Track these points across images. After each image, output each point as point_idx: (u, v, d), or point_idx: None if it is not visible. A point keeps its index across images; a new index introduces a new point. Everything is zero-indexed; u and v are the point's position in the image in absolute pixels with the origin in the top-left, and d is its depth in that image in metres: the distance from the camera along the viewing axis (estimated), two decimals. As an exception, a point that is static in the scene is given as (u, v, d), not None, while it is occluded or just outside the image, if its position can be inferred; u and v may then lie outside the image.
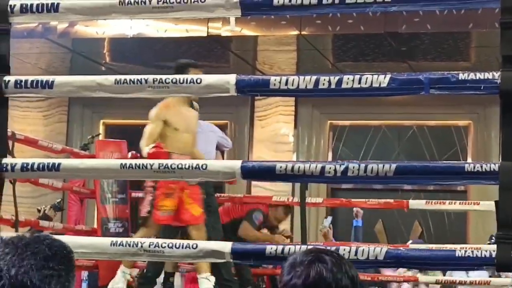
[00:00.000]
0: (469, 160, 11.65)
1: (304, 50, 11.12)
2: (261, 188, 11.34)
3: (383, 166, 3.17)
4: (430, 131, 12.16)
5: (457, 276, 7.96)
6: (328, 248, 2.20)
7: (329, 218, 8.75)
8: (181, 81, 3.38)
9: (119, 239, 3.48)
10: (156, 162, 3.44)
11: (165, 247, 3.37)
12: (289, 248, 3.25)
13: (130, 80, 3.42)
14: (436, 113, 11.76)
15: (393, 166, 3.17)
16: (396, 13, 8.88)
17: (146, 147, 6.18)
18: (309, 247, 2.74)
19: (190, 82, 3.38)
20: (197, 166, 3.37)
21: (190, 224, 6.38)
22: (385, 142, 12.38)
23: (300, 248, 3.24)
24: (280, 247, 3.25)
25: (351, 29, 9.88)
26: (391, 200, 7.51)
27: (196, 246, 3.37)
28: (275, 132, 12.40)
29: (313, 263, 2.04)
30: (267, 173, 3.34)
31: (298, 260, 2.07)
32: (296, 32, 10.12)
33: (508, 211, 2.96)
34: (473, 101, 11.04)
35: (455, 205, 7.15)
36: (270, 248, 3.25)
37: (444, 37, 10.09)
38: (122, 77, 3.45)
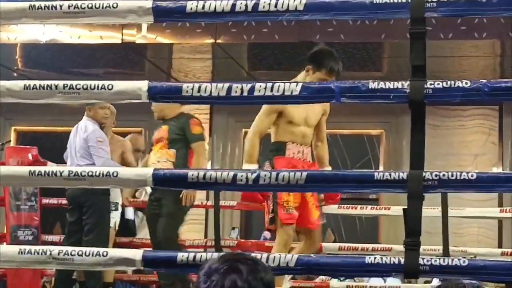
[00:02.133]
0: (381, 168, 11.82)
1: (219, 58, 11.13)
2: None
3: (294, 174, 3.18)
4: (343, 139, 12.29)
5: (373, 282, 8.07)
6: (245, 254, 2.19)
7: (236, 230, 8.78)
8: (92, 87, 3.34)
9: (27, 247, 3.41)
10: (66, 170, 3.39)
11: (74, 255, 3.33)
12: (201, 256, 3.24)
13: (40, 85, 3.36)
14: (349, 121, 11.89)
15: (304, 174, 3.19)
16: (310, 23, 8.97)
17: (251, 164, 5.43)
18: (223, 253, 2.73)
19: (101, 88, 3.34)
20: (108, 174, 3.34)
21: (312, 228, 5.56)
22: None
23: (212, 255, 3.24)
24: (192, 255, 3.23)
25: (266, 38, 9.92)
26: (304, 204, 7.55)
27: (107, 254, 3.33)
28: (191, 141, 12.34)
29: (228, 273, 2.04)
30: (179, 181, 3.32)
31: (213, 268, 2.07)
32: (211, 40, 10.12)
33: (416, 219, 3.01)
34: (386, 111, 11.19)
35: (367, 210, 7.26)
36: (181, 256, 3.23)
37: (357, 47, 10.22)
38: (32, 82, 3.39)
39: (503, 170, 11.39)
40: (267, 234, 9.14)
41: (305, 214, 5.39)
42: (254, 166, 5.26)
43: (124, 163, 7.18)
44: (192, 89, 3.26)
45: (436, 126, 11.37)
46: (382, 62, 11.15)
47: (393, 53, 10.41)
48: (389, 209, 6.89)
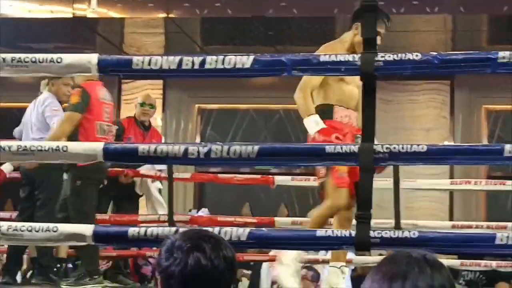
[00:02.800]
0: (335, 143, 11.85)
1: (171, 33, 11.06)
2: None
3: (246, 148, 3.17)
4: (296, 114, 12.26)
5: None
6: (207, 231, 2.17)
7: (205, 210, 8.79)
8: (41, 60, 3.29)
9: (-25, 224, 3.37)
10: (14, 144, 3.34)
11: (24, 230, 3.29)
12: (152, 231, 3.22)
13: (-13, 59, 3.31)
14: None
15: (256, 147, 3.18)
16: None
17: (310, 115, 4.88)
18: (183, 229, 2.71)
19: (50, 61, 3.29)
20: (58, 148, 3.30)
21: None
22: (253, 126, 12.45)
23: (163, 230, 3.22)
24: (143, 230, 3.22)
25: (218, 13, 9.87)
26: (258, 176, 7.55)
27: (57, 230, 3.30)
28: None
29: (191, 251, 2.02)
30: (130, 155, 3.30)
31: (176, 245, 2.05)
32: (163, 15, 10.05)
33: (368, 192, 3.02)
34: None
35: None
36: (133, 231, 3.21)
37: (310, 21, 10.21)
38: (-21, 56, 3.34)
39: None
40: (203, 210, 9.14)
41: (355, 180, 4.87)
42: (316, 117, 4.79)
43: None
44: (143, 62, 3.23)
45: (388, 100, 11.41)
46: (335, 37, 11.13)
47: (346, 27, 10.40)
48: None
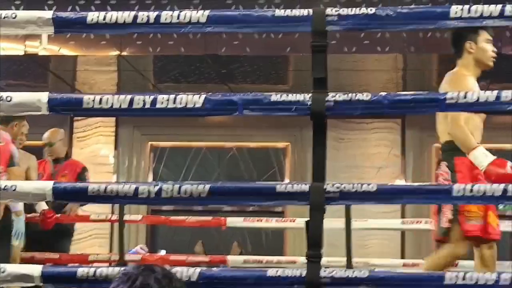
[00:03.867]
0: (287, 181, 11.88)
1: (124, 71, 11.03)
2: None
3: (197, 186, 3.17)
4: (249, 152, 12.32)
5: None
6: (160, 266, 2.17)
7: (143, 247, 8.74)
8: (-10, 98, 3.26)
9: None
10: (-38, 183, 3.30)
11: (-30, 271, 3.23)
12: (102, 271, 3.19)
13: None
14: (255, 134, 11.93)
15: (207, 186, 3.18)
16: (216, 35, 8.98)
17: (478, 151, 4.57)
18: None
19: (-1, 99, 3.27)
20: (6, 187, 3.26)
21: (495, 239, 4.85)
22: (206, 164, 12.43)
23: (113, 270, 3.19)
24: (92, 270, 3.18)
25: (171, 51, 9.88)
26: (210, 218, 7.57)
27: (5, 270, 3.25)
28: (95, 153, 12.22)
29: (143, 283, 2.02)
30: (80, 194, 3.28)
31: (128, 277, 2.05)
32: (116, 53, 10.03)
33: (318, 231, 3.03)
34: (291, 123, 11.25)
35: (272, 223, 7.30)
36: (82, 271, 3.18)
37: (263, 60, 10.27)
38: None
39: (405, 183, 11.59)
40: (140, 248, 9.09)
41: (486, 222, 4.75)
42: (483, 149, 4.56)
43: (27, 179, 7.04)
44: (93, 100, 3.22)
45: (340, 139, 11.50)
46: (287, 75, 11.23)
47: (299, 66, 10.48)
48: (294, 221, 6.94)
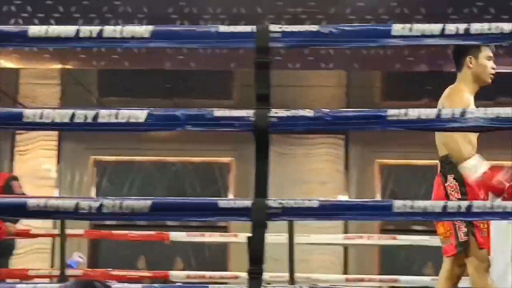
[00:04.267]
0: (230, 196, 11.88)
1: (68, 85, 10.95)
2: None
3: (139, 202, 3.14)
4: (193, 167, 12.29)
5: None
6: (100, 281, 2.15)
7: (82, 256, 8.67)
8: None
9: None
10: None
11: None
12: (42, 287, 3.15)
13: None
14: (199, 149, 11.91)
15: (149, 202, 3.15)
16: (161, 50, 8.95)
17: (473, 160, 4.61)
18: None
19: None
20: None
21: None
22: (149, 178, 12.37)
23: (52, 286, 3.15)
24: (31, 286, 3.14)
25: (116, 65, 9.83)
26: (153, 232, 7.53)
27: None
28: (37, 167, 12.08)
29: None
30: (19, 210, 3.22)
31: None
32: (59, 66, 9.95)
33: (259, 247, 3.02)
34: (235, 138, 11.28)
35: (215, 237, 7.29)
36: (20, 287, 3.14)
37: (208, 75, 10.26)
38: None
39: (349, 198, 11.66)
40: (77, 257, 8.99)
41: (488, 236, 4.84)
42: (477, 158, 4.61)
43: None
44: (34, 115, 3.18)
45: (284, 154, 11.52)
46: (233, 90, 11.25)
47: (244, 81, 10.51)
48: (236, 236, 6.93)
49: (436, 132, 4.80)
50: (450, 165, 4.77)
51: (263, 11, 9.62)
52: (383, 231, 11.31)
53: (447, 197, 4.66)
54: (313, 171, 11.85)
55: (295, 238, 6.48)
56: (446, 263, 4.82)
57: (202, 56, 9.38)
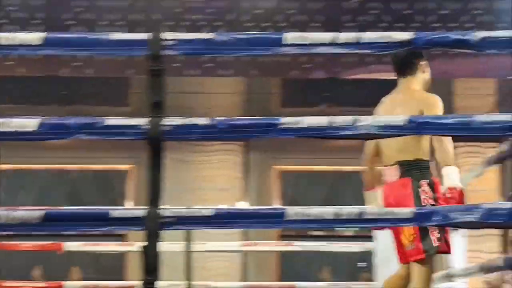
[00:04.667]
0: (131, 204, 11.79)
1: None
2: None
3: (31, 213, 3.08)
4: (92, 175, 12.15)
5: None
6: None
7: None
8: None
9: None
10: None
11: None
12: None
13: None
14: (99, 157, 11.78)
15: (42, 212, 3.10)
16: (56, 57, 8.83)
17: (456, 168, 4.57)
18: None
19: None
20: None
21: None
22: (48, 186, 12.18)
23: None
24: None
25: (10, 71, 9.66)
26: (46, 242, 7.40)
27: None
28: None
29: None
30: None
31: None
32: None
33: (153, 256, 3.00)
34: (134, 146, 11.12)
35: (111, 247, 7.22)
36: None
37: (104, 82, 10.17)
38: None
39: (247, 205, 11.71)
40: None
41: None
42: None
43: None
44: None
45: (182, 161, 11.48)
46: (129, 97, 11.16)
47: (141, 88, 10.44)
48: (133, 245, 6.87)
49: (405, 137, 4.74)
50: (424, 170, 4.72)
51: (161, 18, 9.59)
52: (283, 237, 11.39)
53: (418, 202, 4.63)
54: (211, 178, 11.86)
55: (192, 245, 6.46)
56: (402, 268, 4.81)
57: (98, 63, 9.29)
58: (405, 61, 4.85)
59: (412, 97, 4.76)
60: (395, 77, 4.91)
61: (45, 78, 9.88)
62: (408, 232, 4.68)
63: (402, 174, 4.71)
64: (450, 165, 4.59)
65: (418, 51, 4.80)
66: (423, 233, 4.65)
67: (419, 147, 4.73)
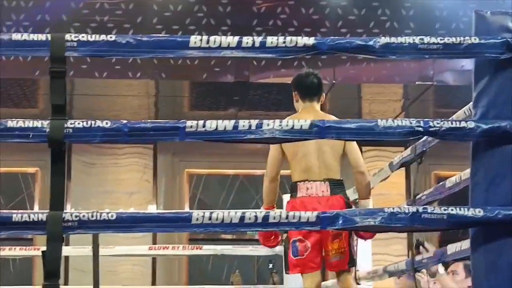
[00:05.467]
0: (36, 207, 11.62)
1: None
2: None
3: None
4: (6, 177, 11.93)
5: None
6: None
7: None
8: None
9: None
10: None
11: None
12: None
13: None
14: (4, 159, 11.56)
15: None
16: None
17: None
18: None
19: None
20: None
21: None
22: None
23: None
24: None
25: None
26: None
27: None
28: None
29: None
30: None
31: None
32: None
33: (55, 261, 2.96)
34: (41, 148, 10.94)
35: (16, 251, 7.12)
36: None
37: (11, 83, 9.98)
38: None
39: (157, 208, 11.67)
40: None
41: None
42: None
43: None
44: None
45: (91, 164, 11.36)
46: (38, 99, 10.98)
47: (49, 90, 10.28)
48: (39, 249, 6.77)
49: (333, 156, 4.94)
50: (344, 190, 5.00)
51: (68, 19, 9.47)
52: (192, 240, 11.38)
53: None
54: (121, 181, 11.76)
55: (100, 249, 6.39)
56: (317, 277, 4.94)
57: (4, 64, 9.12)
58: (316, 90, 5.18)
59: (324, 117, 4.95)
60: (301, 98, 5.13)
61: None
62: (340, 244, 4.91)
63: (332, 191, 4.93)
64: (367, 198, 5.01)
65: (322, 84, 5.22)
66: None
67: (339, 167, 5.02)
